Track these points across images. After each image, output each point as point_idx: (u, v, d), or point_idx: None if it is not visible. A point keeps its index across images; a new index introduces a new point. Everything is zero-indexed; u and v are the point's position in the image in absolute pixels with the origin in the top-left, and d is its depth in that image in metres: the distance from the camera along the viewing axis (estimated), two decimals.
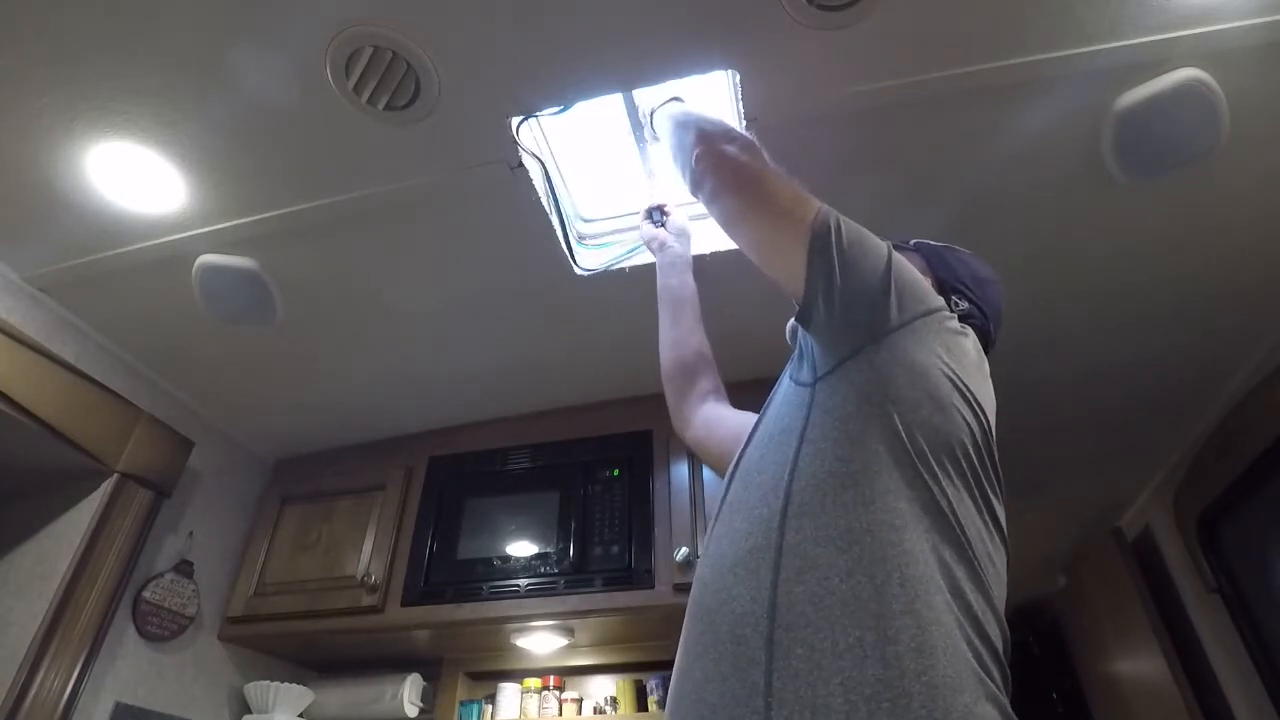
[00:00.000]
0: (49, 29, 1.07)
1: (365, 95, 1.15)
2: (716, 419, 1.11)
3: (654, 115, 1.20)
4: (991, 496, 0.71)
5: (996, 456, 0.75)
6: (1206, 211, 1.41)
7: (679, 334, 1.22)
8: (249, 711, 1.87)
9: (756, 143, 0.95)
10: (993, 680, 0.59)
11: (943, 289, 0.90)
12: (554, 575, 1.70)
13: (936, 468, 0.68)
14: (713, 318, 1.26)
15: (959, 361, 0.77)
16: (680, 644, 0.73)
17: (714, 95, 1.25)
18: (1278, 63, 1.15)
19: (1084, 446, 2.23)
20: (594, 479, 1.81)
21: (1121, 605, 2.43)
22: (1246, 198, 1.38)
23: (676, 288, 1.26)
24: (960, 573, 0.63)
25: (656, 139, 1.25)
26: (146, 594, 1.72)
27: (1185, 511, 2.17)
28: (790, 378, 0.85)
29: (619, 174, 1.47)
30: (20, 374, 1.45)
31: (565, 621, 1.73)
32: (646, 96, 1.25)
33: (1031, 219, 1.43)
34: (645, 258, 1.47)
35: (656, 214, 1.39)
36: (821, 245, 0.79)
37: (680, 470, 1.75)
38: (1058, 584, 3.07)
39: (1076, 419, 2.07)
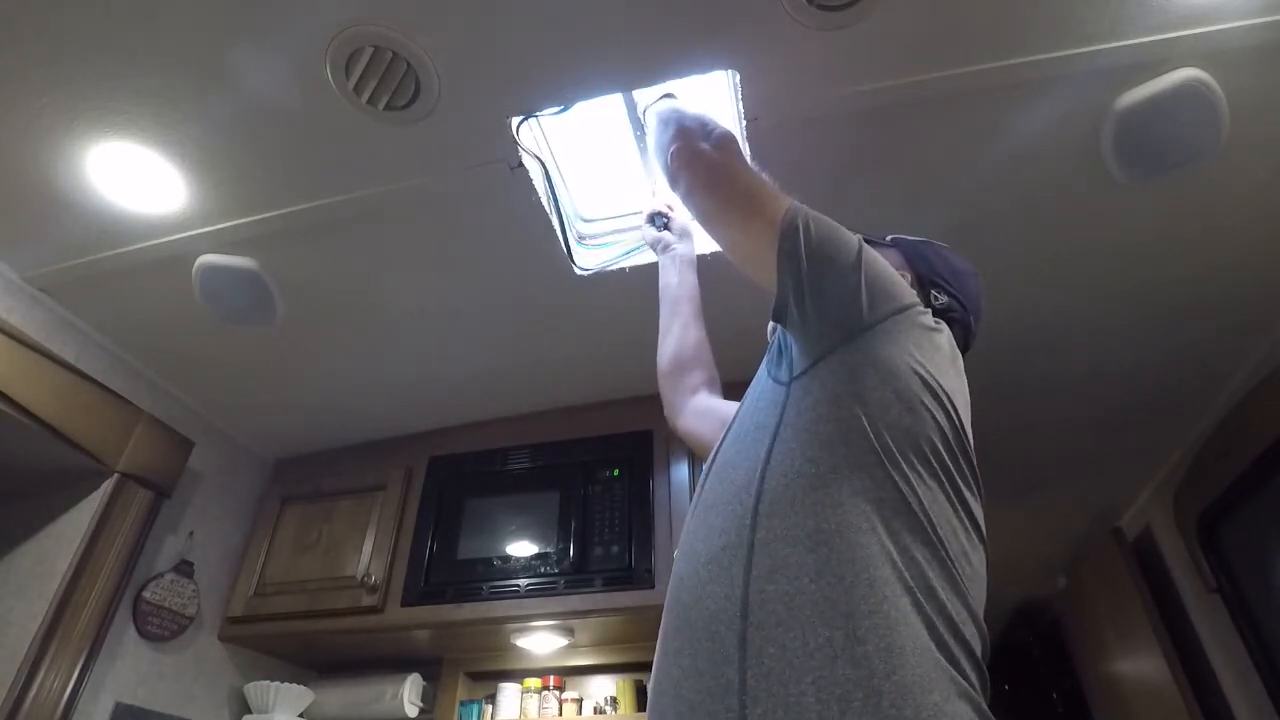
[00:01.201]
0: (49, 29, 1.07)
1: (365, 95, 1.15)
2: (707, 409, 1.12)
3: (646, 113, 1.20)
4: (966, 493, 0.71)
5: (971, 453, 0.75)
6: (1206, 211, 1.40)
7: (677, 328, 1.23)
8: (249, 711, 1.87)
9: (733, 137, 0.95)
10: (966, 679, 0.59)
11: (921, 283, 0.90)
12: (554, 575, 1.70)
13: (906, 468, 0.68)
14: (715, 317, 1.26)
15: (930, 358, 0.76)
16: (659, 638, 0.73)
17: (714, 95, 1.25)
18: (1278, 63, 1.15)
19: (1084, 446, 2.23)
20: (594, 479, 1.81)
21: (1121, 605, 2.43)
22: (1246, 198, 1.38)
23: (677, 285, 1.27)
24: (933, 572, 0.63)
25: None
26: (146, 594, 1.72)
27: (1185, 511, 2.17)
28: (768, 374, 0.85)
29: (619, 174, 1.47)
30: (20, 374, 1.45)
31: (565, 621, 1.73)
32: (646, 96, 1.25)
33: (1031, 219, 1.43)
34: (645, 257, 1.48)
35: (659, 219, 1.39)
36: (790, 245, 0.79)
37: (680, 470, 1.75)
38: (1058, 584, 3.07)
39: (1077, 419, 2.07)
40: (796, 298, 0.78)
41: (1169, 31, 1.11)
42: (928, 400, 0.73)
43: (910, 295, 0.81)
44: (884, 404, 0.71)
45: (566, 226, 1.45)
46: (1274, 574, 1.85)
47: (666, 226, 1.38)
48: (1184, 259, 1.52)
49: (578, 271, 1.52)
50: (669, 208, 1.40)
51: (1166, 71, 1.16)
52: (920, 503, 0.66)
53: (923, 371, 0.74)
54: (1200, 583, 2.12)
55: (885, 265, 0.82)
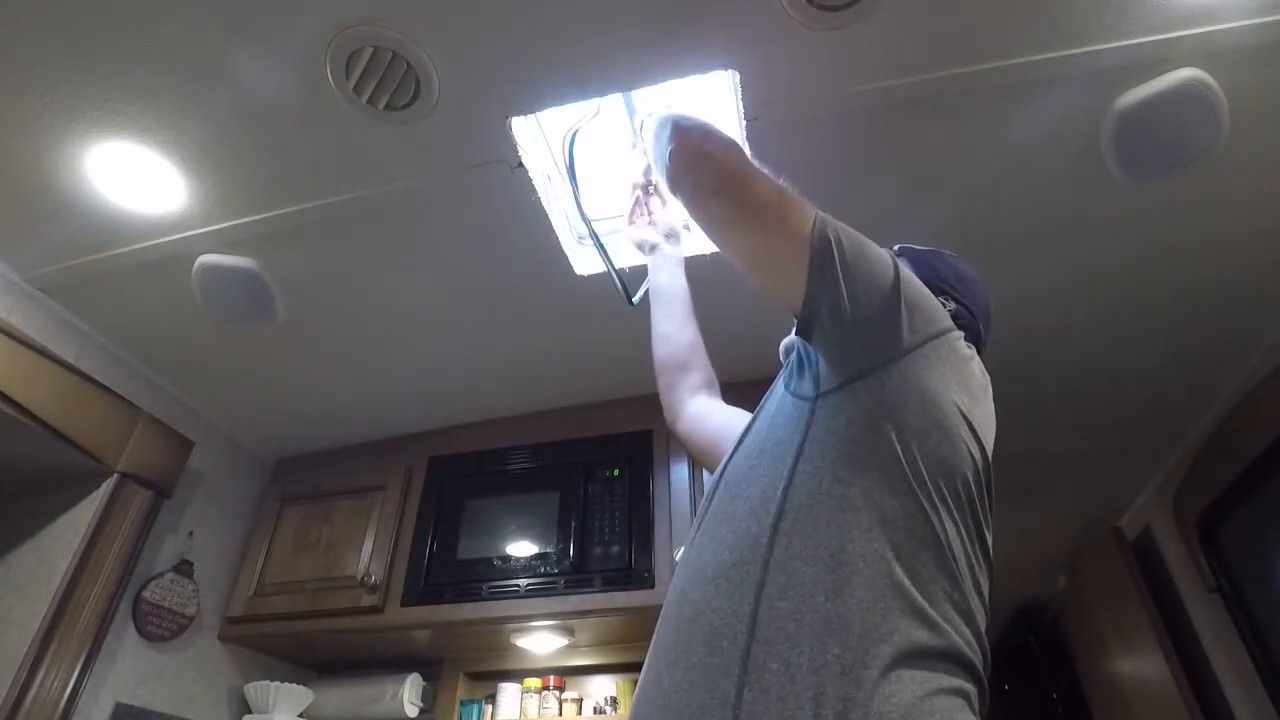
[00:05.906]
0: (49, 28, 1.07)
1: (365, 95, 1.15)
2: (705, 412, 1.10)
3: (643, 126, 1.15)
4: (984, 527, 0.70)
5: (993, 487, 0.74)
6: (1206, 211, 1.40)
7: (671, 329, 1.20)
8: (249, 711, 1.87)
9: (737, 143, 0.89)
10: (970, 706, 0.60)
11: (929, 291, 0.89)
12: (554, 575, 1.70)
13: (937, 499, 0.67)
14: (710, 318, 1.26)
15: (968, 388, 0.74)
16: (650, 650, 0.71)
17: (714, 95, 1.25)
18: (1278, 63, 1.15)
19: (1084, 446, 2.23)
20: (594, 479, 1.81)
21: (1121, 605, 2.42)
22: (1246, 197, 1.38)
23: (667, 285, 1.24)
24: (951, 604, 0.63)
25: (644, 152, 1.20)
26: (146, 594, 1.72)
27: (1185, 511, 2.17)
28: (787, 388, 0.81)
29: (619, 174, 1.46)
30: (20, 374, 1.45)
31: (565, 621, 1.73)
32: (646, 97, 1.25)
33: (1031, 219, 1.43)
34: (636, 256, 1.46)
35: (642, 209, 1.34)
36: (823, 261, 0.74)
37: (680, 470, 1.75)
38: (1058, 584, 3.07)
39: (1077, 419, 2.07)
40: (832, 314, 0.73)
41: (1169, 31, 1.11)
42: (965, 434, 0.71)
43: (946, 318, 0.78)
44: (923, 432, 0.69)
45: (585, 222, 1.37)
46: (1274, 574, 1.85)
47: (650, 220, 1.33)
48: (1184, 259, 1.52)
49: (578, 271, 1.52)
50: (653, 186, 1.33)
51: (1166, 71, 1.16)
52: (945, 535, 0.65)
53: (962, 404, 0.72)
54: (1200, 583, 2.12)
55: (921, 284, 0.79)
